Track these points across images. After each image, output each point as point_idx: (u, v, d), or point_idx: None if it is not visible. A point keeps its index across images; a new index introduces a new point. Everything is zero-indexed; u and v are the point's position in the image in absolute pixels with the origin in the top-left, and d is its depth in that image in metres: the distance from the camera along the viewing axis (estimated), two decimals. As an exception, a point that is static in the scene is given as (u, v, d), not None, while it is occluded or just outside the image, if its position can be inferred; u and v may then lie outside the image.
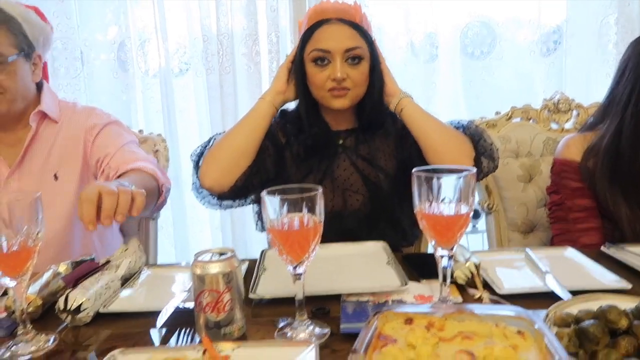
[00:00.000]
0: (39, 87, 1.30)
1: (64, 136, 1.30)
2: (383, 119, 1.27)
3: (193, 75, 2.10)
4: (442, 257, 0.75)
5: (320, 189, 0.71)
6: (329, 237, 1.12)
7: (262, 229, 1.41)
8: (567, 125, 1.52)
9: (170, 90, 2.07)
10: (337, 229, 1.21)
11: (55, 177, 1.27)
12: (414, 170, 0.74)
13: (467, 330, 0.59)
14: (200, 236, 2.23)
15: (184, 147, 2.12)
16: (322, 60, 1.16)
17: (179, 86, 2.12)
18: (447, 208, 0.72)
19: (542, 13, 2.04)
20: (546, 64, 2.06)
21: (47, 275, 0.91)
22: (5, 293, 0.91)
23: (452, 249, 0.74)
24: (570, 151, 1.25)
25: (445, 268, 0.75)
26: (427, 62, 2.07)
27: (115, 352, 0.65)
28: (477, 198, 1.42)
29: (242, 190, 1.20)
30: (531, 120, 1.52)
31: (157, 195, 1.23)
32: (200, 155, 1.25)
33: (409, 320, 0.62)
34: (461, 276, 0.87)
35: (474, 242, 1.95)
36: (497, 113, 1.54)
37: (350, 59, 1.16)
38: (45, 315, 0.85)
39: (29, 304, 0.82)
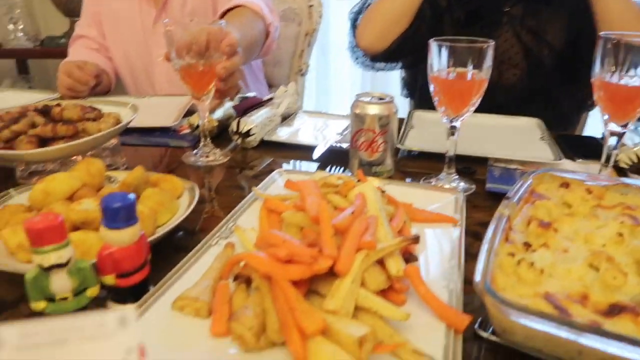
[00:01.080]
0: None
1: None
2: None
3: None
4: (612, 133, 0.70)
5: (492, 43, 0.68)
6: (476, 110, 1.10)
7: (408, 95, 1.41)
8: None
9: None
10: (486, 103, 1.16)
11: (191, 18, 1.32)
12: (601, 32, 0.67)
13: (631, 203, 0.57)
14: (344, 102, 2.30)
15: (335, 13, 2.10)
16: None
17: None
18: (632, 80, 0.65)
19: None
20: None
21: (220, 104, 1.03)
22: (187, 114, 1.06)
23: (626, 125, 0.69)
24: None
25: (612, 147, 0.71)
26: None
27: (275, 173, 0.74)
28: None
29: (396, 53, 1.19)
30: None
31: (263, 37, 1.23)
32: (358, 13, 1.24)
33: (565, 184, 0.62)
34: (625, 159, 0.81)
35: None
36: None
37: None
38: (220, 136, 0.99)
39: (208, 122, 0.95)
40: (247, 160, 0.90)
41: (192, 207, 0.61)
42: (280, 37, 1.62)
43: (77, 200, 0.57)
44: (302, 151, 0.90)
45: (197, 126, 0.95)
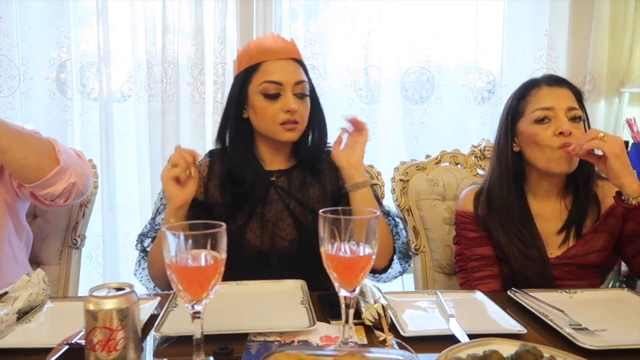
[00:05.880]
0: None
1: None
2: (320, 158, 1.29)
3: (135, 101, 2.07)
4: (344, 297, 0.76)
5: (224, 226, 0.71)
6: (256, 277, 1.13)
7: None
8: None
9: (110, 115, 2.03)
10: (264, 270, 1.20)
11: None
12: (320, 210, 0.75)
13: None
14: (132, 266, 2.16)
15: (120, 173, 2.07)
16: (274, 92, 1.17)
17: (120, 111, 2.08)
18: (349, 249, 0.73)
19: (479, 62, 2.16)
20: (481, 111, 2.17)
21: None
22: None
23: (354, 290, 0.75)
24: (466, 202, 1.32)
25: (347, 309, 0.76)
26: (370, 103, 2.13)
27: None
28: (404, 240, 1.45)
29: None
30: (459, 165, 1.58)
31: (46, 154, 1.19)
32: (143, 248, 1.31)
33: (299, 363, 0.62)
34: (369, 317, 0.88)
35: (408, 284, 1.97)
36: (427, 156, 1.60)
37: (299, 93, 1.19)
38: None
39: None
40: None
41: None
42: (49, 211, 1.49)
43: None
44: (40, 354, 0.77)
45: None
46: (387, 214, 1.34)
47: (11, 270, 1.27)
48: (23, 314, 0.90)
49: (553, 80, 1.25)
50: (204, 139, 2.06)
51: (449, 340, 0.81)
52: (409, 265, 1.43)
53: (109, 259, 2.08)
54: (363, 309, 0.88)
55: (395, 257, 1.31)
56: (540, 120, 1.20)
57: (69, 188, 1.22)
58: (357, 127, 1.18)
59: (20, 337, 0.83)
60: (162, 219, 1.21)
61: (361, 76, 2.14)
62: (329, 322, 0.91)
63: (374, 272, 1.30)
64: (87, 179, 1.29)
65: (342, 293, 0.76)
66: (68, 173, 1.21)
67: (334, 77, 2.14)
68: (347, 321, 0.77)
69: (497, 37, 2.17)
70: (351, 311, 0.77)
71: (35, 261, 1.46)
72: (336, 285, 0.76)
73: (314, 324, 0.86)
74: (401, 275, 1.40)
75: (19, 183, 1.25)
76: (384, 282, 1.35)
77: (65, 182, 1.21)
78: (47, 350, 0.76)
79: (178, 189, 1.08)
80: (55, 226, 1.49)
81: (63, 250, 1.50)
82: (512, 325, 0.88)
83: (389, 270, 1.31)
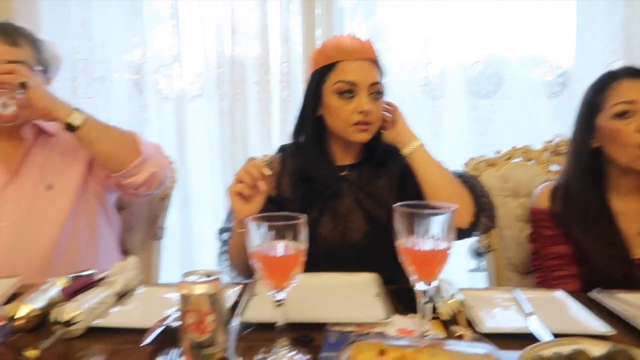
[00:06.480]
0: None
1: (61, 148, 1.36)
2: (388, 155, 1.30)
3: (206, 100, 2.16)
4: (421, 292, 0.76)
5: (304, 218, 0.74)
6: (327, 270, 1.15)
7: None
8: (567, 168, 1.53)
9: (184, 114, 2.14)
10: (335, 263, 1.22)
11: (49, 187, 1.32)
12: (395, 205, 0.77)
13: (437, 365, 0.60)
14: (208, 259, 2.25)
15: (193, 170, 2.17)
16: (348, 92, 1.19)
17: (192, 110, 2.18)
18: (426, 243, 0.74)
19: (549, 55, 2.08)
20: (553, 105, 2.08)
21: (45, 288, 0.94)
22: (7, 302, 0.94)
23: (431, 284, 0.76)
24: (541, 199, 1.27)
25: (424, 303, 0.77)
26: (434, 99, 2.11)
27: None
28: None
29: None
30: (532, 161, 1.54)
31: (129, 146, 1.28)
32: (223, 240, 1.33)
33: (382, 352, 0.64)
34: (445, 312, 0.88)
35: (478, 281, 1.94)
36: (497, 152, 1.57)
37: (374, 94, 1.20)
38: (43, 325, 0.89)
39: (27, 314, 0.86)
40: (69, 352, 0.80)
41: None
42: (133, 203, 1.60)
43: None
44: (137, 334, 0.84)
45: (13, 317, 0.85)
46: (460, 175, 1.28)
47: (105, 257, 1.39)
48: (120, 297, 0.98)
49: (634, 72, 1.19)
50: (270, 137, 2.12)
51: (528, 338, 0.80)
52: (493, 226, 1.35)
53: (184, 251, 2.20)
54: (439, 304, 0.89)
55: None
56: (621, 115, 1.15)
57: (149, 177, 1.31)
58: (389, 109, 1.25)
59: (119, 318, 0.90)
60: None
61: (424, 72, 2.11)
62: (405, 315, 0.92)
63: (461, 235, 1.20)
64: (165, 169, 1.38)
65: (419, 287, 0.77)
66: (149, 163, 1.30)
67: (396, 73, 2.13)
68: (424, 315, 0.78)
69: (567, 28, 2.07)
70: (428, 305, 0.77)
71: (123, 250, 1.57)
72: (413, 279, 0.77)
73: (391, 316, 0.87)
74: (486, 232, 1.33)
75: (106, 174, 1.35)
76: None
77: (146, 171, 1.30)
78: (143, 331, 0.83)
79: (243, 204, 1.08)
80: (139, 218, 1.60)
81: (145, 241, 1.60)
82: (597, 325, 0.85)
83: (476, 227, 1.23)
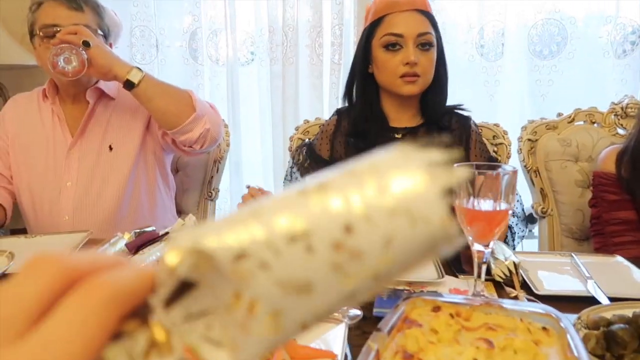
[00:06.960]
0: None
1: (121, 111, 1.42)
2: (449, 116, 1.27)
3: (258, 65, 2.18)
4: (478, 252, 0.76)
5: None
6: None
7: None
8: (636, 132, 1.44)
9: (236, 79, 2.17)
10: None
11: (110, 148, 1.39)
12: (455, 165, 0.75)
13: (492, 322, 0.60)
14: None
15: (245, 134, 2.22)
16: (393, 45, 1.16)
17: (244, 75, 2.21)
18: (485, 204, 0.73)
19: (620, 11, 1.93)
20: (621, 65, 1.95)
21: (114, 241, 1.01)
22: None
23: (488, 245, 0.75)
24: (607, 163, 1.21)
25: (480, 264, 0.76)
26: (492, 60, 2.02)
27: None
28: (531, 201, 1.40)
29: None
30: (595, 124, 1.46)
31: (185, 105, 1.30)
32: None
33: (436, 308, 0.65)
34: (499, 273, 0.87)
35: (529, 247, 1.90)
36: (559, 114, 1.49)
37: (421, 44, 1.17)
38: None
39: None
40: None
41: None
42: (189, 165, 1.66)
43: None
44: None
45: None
46: None
47: (164, 215, 1.46)
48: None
49: None
50: (321, 101, 2.12)
51: (587, 301, 0.78)
52: (530, 231, 1.36)
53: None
54: (493, 266, 0.88)
55: (514, 221, 1.26)
56: None
57: (204, 134, 1.34)
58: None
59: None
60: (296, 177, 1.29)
61: (482, 32, 2.02)
62: (456, 276, 0.92)
63: None
64: (219, 127, 1.41)
65: (476, 247, 0.76)
66: (203, 120, 1.33)
67: (452, 34, 2.05)
68: (479, 275, 0.77)
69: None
70: (484, 266, 0.77)
71: (178, 210, 1.64)
72: (469, 239, 0.76)
73: (443, 276, 0.87)
74: (521, 240, 1.35)
75: (163, 132, 1.40)
76: None
77: (201, 128, 1.33)
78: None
79: None
80: (194, 179, 1.66)
81: (200, 202, 1.67)
82: (660, 291, 0.82)
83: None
